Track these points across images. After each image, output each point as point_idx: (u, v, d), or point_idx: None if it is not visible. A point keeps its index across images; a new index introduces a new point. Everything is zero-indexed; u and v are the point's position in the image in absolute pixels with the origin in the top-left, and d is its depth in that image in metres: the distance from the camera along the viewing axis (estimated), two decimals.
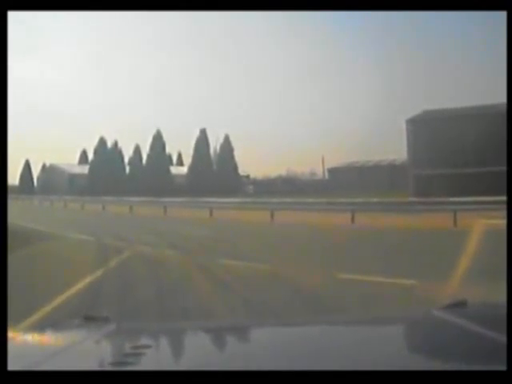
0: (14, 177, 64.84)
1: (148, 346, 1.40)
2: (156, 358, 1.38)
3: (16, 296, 5.15)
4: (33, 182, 70.34)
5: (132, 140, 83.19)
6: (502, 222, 11.01)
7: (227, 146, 61.24)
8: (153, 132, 61.23)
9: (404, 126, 35.38)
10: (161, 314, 5.78)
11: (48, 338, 1.76)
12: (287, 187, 53.01)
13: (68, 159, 72.59)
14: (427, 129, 33.75)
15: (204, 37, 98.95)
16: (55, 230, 16.37)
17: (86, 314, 1.89)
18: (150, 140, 61.20)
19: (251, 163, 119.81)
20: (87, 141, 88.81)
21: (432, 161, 32.42)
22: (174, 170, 62.62)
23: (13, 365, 1.17)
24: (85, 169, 62.20)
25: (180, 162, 70.45)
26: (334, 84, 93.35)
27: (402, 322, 1.87)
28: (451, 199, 16.91)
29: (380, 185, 44.47)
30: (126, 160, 63.01)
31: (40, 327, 2.29)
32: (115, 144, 62.39)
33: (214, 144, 61.63)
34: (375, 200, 19.81)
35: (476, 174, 29.72)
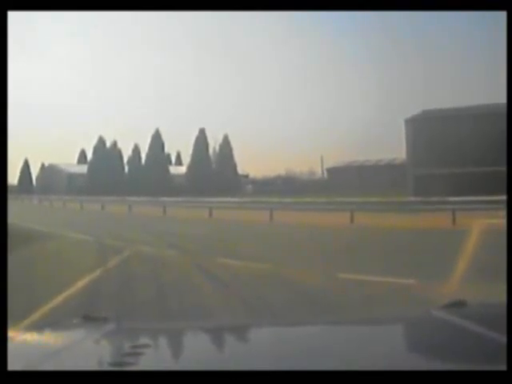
0: (13, 176, 64.74)
1: (147, 346, 1.40)
2: (155, 357, 1.37)
3: (16, 295, 5.14)
4: (32, 182, 70.20)
5: (131, 140, 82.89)
6: (501, 222, 11.03)
7: (226, 145, 61.16)
8: (152, 132, 61.24)
9: (403, 125, 35.39)
10: (160, 313, 5.78)
11: (47, 338, 1.75)
12: (286, 187, 52.94)
13: (67, 159, 72.56)
14: (426, 128, 33.72)
15: (203, 36, 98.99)
16: (55, 230, 16.35)
17: (85, 314, 1.88)
18: (149, 140, 61.19)
19: (250, 163, 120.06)
20: (86, 140, 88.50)
21: (431, 160, 32.40)
22: (173, 169, 62.51)
23: (13, 365, 1.17)
24: (84, 168, 62.06)
25: (179, 162, 70.35)
26: (333, 83, 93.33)
27: (401, 321, 1.87)
28: (450, 199, 16.90)
29: (379, 184, 44.38)
30: (125, 160, 62.89)
31: (40, 327, 2.28)
32: (114, 144, 62.29)
33: (213, 144, 61.60)
34: (374, 200, 19.79)
35: (475, 174, 29.71)
